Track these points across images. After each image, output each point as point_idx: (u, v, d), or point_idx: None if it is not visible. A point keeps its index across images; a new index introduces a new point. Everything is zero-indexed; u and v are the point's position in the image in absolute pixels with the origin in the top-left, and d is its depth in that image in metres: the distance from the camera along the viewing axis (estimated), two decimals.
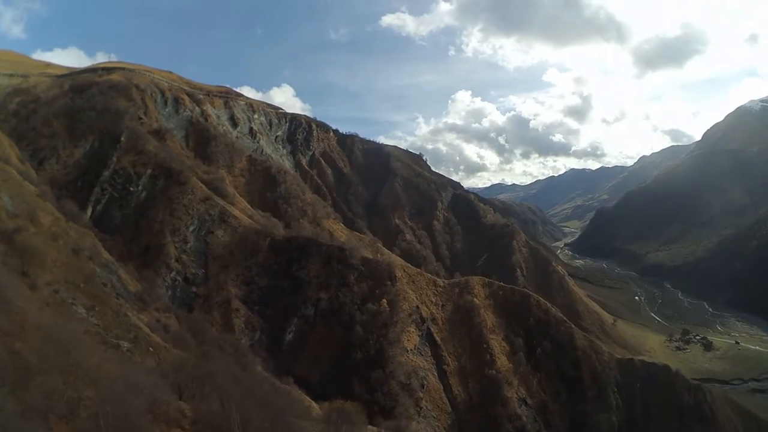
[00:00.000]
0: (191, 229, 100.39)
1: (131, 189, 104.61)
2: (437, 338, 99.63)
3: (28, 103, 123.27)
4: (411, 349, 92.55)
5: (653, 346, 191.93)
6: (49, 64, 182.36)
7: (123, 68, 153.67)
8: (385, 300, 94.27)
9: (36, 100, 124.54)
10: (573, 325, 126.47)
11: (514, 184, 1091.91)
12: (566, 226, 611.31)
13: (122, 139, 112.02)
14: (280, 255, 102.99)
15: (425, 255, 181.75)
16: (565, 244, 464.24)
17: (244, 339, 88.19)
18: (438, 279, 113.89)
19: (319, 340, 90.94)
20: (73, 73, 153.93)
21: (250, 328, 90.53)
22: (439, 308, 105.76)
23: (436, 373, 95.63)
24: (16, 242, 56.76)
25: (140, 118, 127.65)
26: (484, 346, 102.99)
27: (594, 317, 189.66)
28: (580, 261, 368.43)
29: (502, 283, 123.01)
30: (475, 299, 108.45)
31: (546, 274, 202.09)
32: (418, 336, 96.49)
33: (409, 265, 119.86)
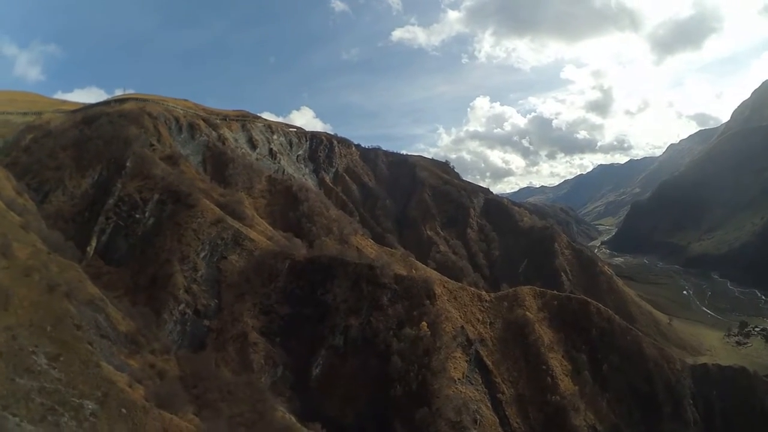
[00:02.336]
0: (202, 255, 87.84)
1: (137, 216, 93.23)
2: (488, 362, 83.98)
3: (40, 138, 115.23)
4: (459, 379, 77.11)
5: (712, 343, 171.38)
6: (64, 102, 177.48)
7: (136, 99, 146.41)
8: (425, 322, 79.26)
9: (47, 135, 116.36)
10: (640, 332, 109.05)
11: (542, 186, 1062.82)
12: (600, 224, 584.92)
13: (128, 164, 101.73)
14: (302, 278, 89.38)
15: (462, 266, 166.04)
16: (602, 243, 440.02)
17: (265, 377, 74.30)
18: (483, 293, 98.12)
19: (351, 374, 76.27)
20: (87, 107, 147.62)
21: (271, 363, 76.52)
22: (487, 326, 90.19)
23: (489, 404, 79.90)
24: None
25: (152, 145, 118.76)
26: (543, 367, 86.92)
27: (648, 318, 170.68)
28: (620, 258, 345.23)
29: (555, 292, 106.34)
30: (527, 313, 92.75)
31: (593, 276, 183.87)
32: (466, 362, 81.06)
33: (448, 279, 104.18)
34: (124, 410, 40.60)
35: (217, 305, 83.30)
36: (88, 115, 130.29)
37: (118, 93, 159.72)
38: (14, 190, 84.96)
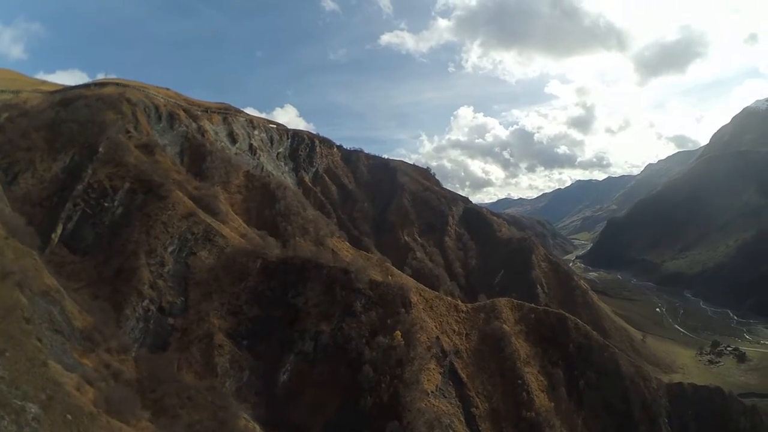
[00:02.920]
0: (170, 249, 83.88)
1: (106, 204, 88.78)
2: (462, 375, 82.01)
3: (16, 117, 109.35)
4: (432, 391, 74.83)
5: (685, 361, 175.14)
6: (44, 82, 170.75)
7: (117, 84, 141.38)
8: (399, 332, 76.58)
9: (24, 114, 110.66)
10: (617, 349, 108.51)
11: (520, 198, 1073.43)
12: (576, 239, 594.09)
13: (100, 150, 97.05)
14: (274, 279, 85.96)
15: (438, 274, 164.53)
16: (577, 257, 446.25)
17: (229, 382, 70.84)
18: (459, 303, 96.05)
19: (320, 381, 73.03)
20: (66, 89, 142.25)
21: (237, 368, 73.02)
22: (463, 338, 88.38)
23: (463, 419, 78.05)
24: None
25: (128, 132, 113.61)
26: (519, 381, 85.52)
27: (623, 334, 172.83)
28: (594, 273, 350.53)
29: (533, 305, 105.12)
30: (504, 325, 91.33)
31: (569, 289, 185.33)
32: (440, 374, 78.90)
33: (425, 287, 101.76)
34: (69, 416, 37.03)
35: (183, 303, 79.42)
36: (65, 97, 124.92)
37: (100, 77, 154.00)
38: None
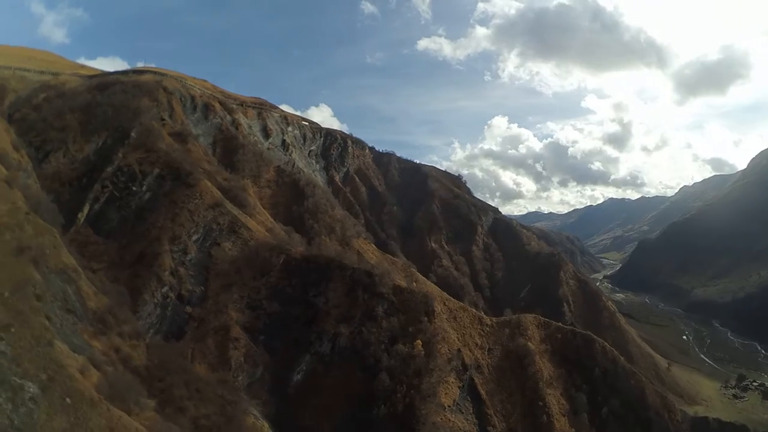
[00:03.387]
0: (194, 238, 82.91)
1: (134, 188, 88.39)
2: (482, 391, 78.39)
3: (53, 98, 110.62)
4: (449, 406, 71.54)
5: (709, 393, 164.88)
6: (83, 66, 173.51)
7: (155, 72, 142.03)
8: (419, 341, 73.54)
9: (61, 96, 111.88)
10: (644, 378, 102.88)
11: (551, 212, 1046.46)
12: (605, 258, 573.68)
13: (132, 134, 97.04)
14: (296, 276, 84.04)
15: (463, 283, 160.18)
16: (605, 276, 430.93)
17: (242, 376, 69.10)
18: (484, 316, 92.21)
19: (334, 384, 70.57)
20: (104, 74, 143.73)
21: (251, 362, 71.18)
22: (485, 353, 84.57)
23: None
24: None
25: (163, 120, 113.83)
26: (540, 403, 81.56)
27: (648, 361, 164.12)
28: (621, 295, 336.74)
29: (560, 324, 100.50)
30: (529, 343, 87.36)
31: (596, 310, 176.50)
32: (459, 388, 75.52)
33: (449, 297, 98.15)
34: (68, 399, 35.31)
35: (203, 293, 78.23)
36: (102, 81, 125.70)
37: (140, 66, 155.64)
38: (11, 144, 79.92)
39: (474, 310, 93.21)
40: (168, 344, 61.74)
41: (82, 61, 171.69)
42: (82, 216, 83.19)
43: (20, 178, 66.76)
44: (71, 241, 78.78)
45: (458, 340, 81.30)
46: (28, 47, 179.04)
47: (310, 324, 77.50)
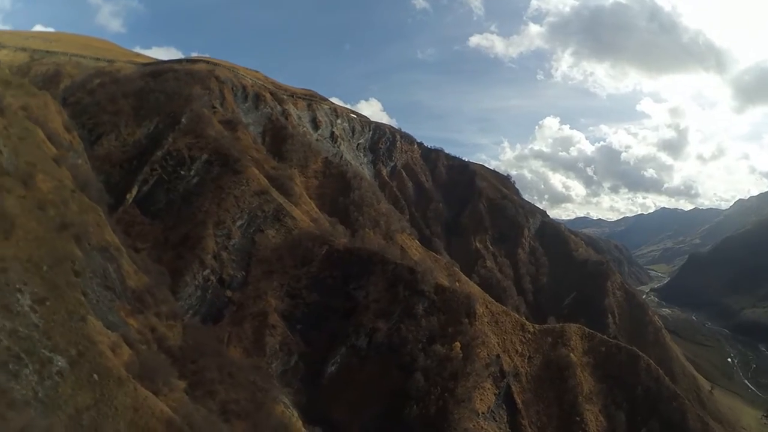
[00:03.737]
0: (238, 223, 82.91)
1: (182, 172, 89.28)
2: (518, 400, 74.69)
3: (107, 84, 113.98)
4: (483, 413, 68.19)
5: (749, 421, 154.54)
6: (138, 55, 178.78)
7: (208, 62, 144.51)
8: (458, 343, 70.64)
9: (115, 82, 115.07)
10: (686, 401, 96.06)
11: (600, 218, 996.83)
12: (653, 270, 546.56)
13: (183, 120, 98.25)
14: (337, 268, 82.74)
15: (506, 286, 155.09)
16: (651, 289, 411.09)
17: (276, 363, 68.46)
18: (526, 322, 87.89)
19: (367, 380, 68.78)
20: (158, 63, 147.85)
21: (286, 350, 70.46)
22: (525, 361, 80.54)
23: None
24: None
25: (214, 107, 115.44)
26: (577, 418, 77.21)
27: (690, 382, 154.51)
28: (667, 310, 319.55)
29: (605, 337, 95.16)
30: (571, 354, 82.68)
31: (641, 324, 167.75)
32: (494, 395, 72.04)
33: (492, 300, 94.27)
34: (95, 376, 34.71)
35: (243, 278, 78.14)
36: (156, 69, 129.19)
37: (193, 56, 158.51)
38: (63, 125, 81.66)
39: (516, 316, 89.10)
40: (204, 327, 61.51)
41: (138, 50, 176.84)
42: (130, 197, 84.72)
43: (70, 157, 68.09)
44: (118, 220, 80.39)
45: (498, 345, 77.76)
46: (85, 35, 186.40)
47: (349, 317, 76.01)
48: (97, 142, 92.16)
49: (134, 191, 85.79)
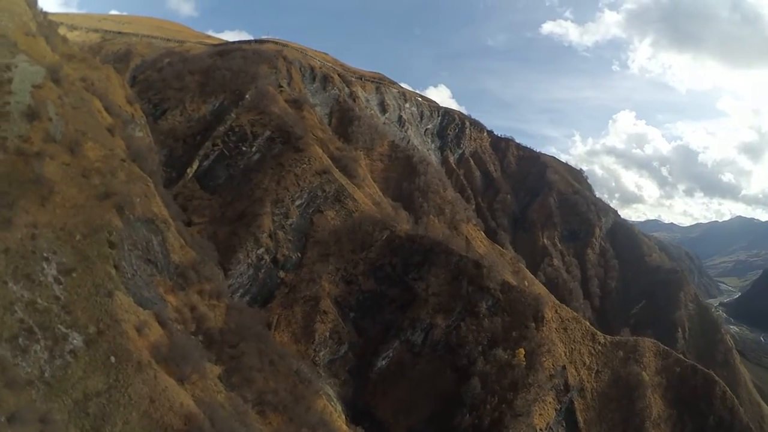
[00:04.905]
0: (297, 203, 78.75)
1: (243, 149, 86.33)
2: (580, 419, 66.49)
3: (176, 63, 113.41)
4: (541, 429, 59.78)
5: None
6: (209, 37, 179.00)
7: (276, 42, 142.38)
8: (522, 349, 62.91)
9: (184, 61, 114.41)
10: None
11: (672, 223, 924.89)
12: (723, 282, 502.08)
13: (247, 96, 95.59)
14: (397, 255, 76.99)
15: (572, 287, 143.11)
16: (720, 304, 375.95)
17: (324, 352, 63.86)
18: (598, 333, 77.98)
19: (419, 379, 62.73)
20: (228, 43, 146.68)
21: (336, 339, 65.60)
22: (592, 375, 71.55)
23: None
24: (24, 167, 39.46)
25: (281, 87, 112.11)
26: None
27: (755, 411, 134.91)
28: (735, 327, 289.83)
29: (681, 356, 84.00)
30: (644, 373, 72.62)
31: (711, 342, 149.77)
32: (555, 410, 63.61)
33: (562, 304, 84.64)
34: (112, 358, 30.77)
35: (298, 260, 74.00)
36: (224, 49, 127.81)
37: (264, 38, 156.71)
38: (126, 98, 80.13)
39: (587, 324, 79.12)
40: (250, 308, 57.14)
41: (210, 33, 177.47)
42: (191, 171, 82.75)
43: (128, 128, 66.06)
44: (177, 194, 78.70)
45: (565, 355, 69.27)
46: (158, 18, 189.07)
47: (405, 309, 70.32)
48: (162, 116, 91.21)
49: (195, 166, 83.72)
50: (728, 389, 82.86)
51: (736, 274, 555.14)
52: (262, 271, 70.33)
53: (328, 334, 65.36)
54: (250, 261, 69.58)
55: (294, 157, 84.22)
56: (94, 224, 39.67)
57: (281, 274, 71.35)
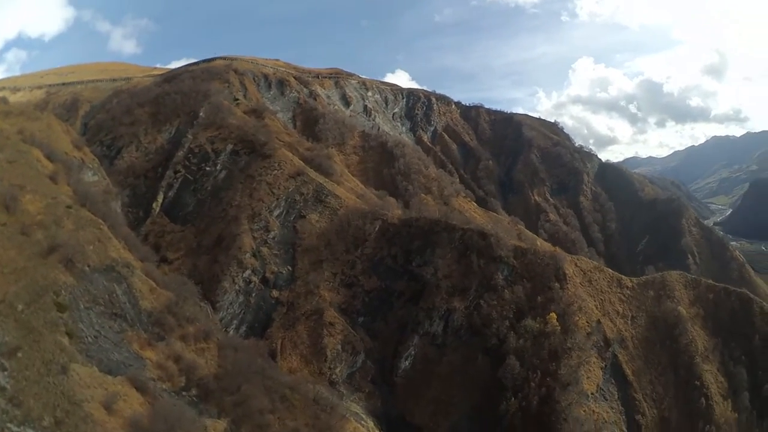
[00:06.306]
0: (276, 213, 71.63)
1: (207, 169, 78.95)
2: (627, 371, 60.75)
3: (124, 99, 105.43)
4: (593, 393, 53.82)
5: None
6: (155, 68, 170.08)
7: (225, 58, 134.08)
8: (553, 313, 56.44)
9: (132, 95, 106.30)
10: None
11: (650, 156, 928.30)
12: (712, 203, 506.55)
13: (201, 114, 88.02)
14: (395, 245, 70.25)
15: (574, 238, 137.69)
16: (714, 223, 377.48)
17: (340, 367, 56.90)
18: (624, 277, 72.13)
19: (450, 372, 56.22)
20: (175, 69, 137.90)
21: (349, 350, 58.71)
22: (629, 322, 65.67)
23: (625, 429, 57.01)
24: None
25: (236, 100, 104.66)
26: (696, 383, 62.99)
27: None
28: (735, 243, 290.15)
29: (711, 282, 78.65)
30: (679, 307, 67.12)
31: (723, 261, 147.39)
32: (601, 369, 57.53)
33: (581, 257, 78.40)
34: None
35: (290, 273, 66.82)
36: (172, 74, 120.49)
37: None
38: (72, 144, 72.27)
39: (610, 271, 73.10)
40: (246, 342, 49.79)
41: (158, 66, 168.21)
42: (156, 205, 75.53)
43: (76, 173, 58.96)
44: (148, 232, 71.55)
45: (597, 308, 63.31)
46: (101, 62, 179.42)
47: (417, 299, 63.66)
48: (117, 156, 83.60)
49: (160, 199, 76.43)
50: (765, 304, 77.84)
51: (722, 192, 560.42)
52: (253, 294, 63.20)
53: (340, 347, 58.43)
54: (237, 287, 62.43)
55: (262, 165, 76.97)
56: (38, 287, 32.60)
57: (274, 293, 64.18)
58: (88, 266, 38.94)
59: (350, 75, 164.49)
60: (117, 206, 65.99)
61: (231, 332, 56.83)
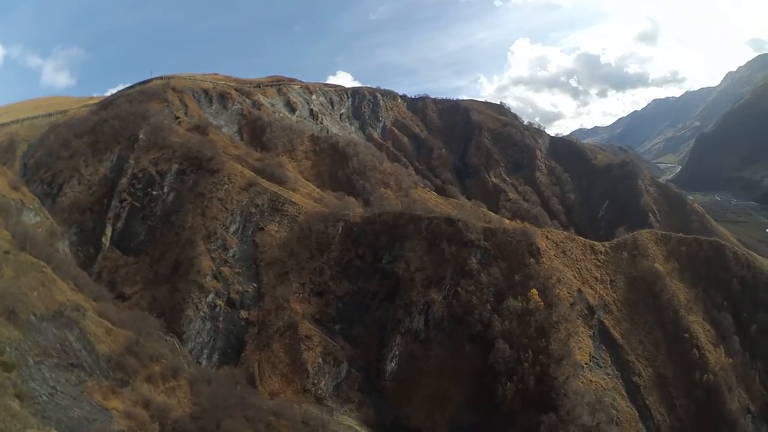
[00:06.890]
0: (232, 229, 67.86)
1: (154, 193, 74.09)
2: (616, 335, 60.73)
3: (61, 132, 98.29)
4: (587, 363, 53.27)
5: None
6: (92, 98, 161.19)
7: (161, 77, 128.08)
8: (534, 290, 55.09)
9: (69, 127, 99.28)
10: None
11: (595, 126, 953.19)
12: (662, 162, 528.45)
13: (141, 136, 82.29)
14: (362, 244, 67.59)
15: (536, 213, 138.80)
16: (667, 181, 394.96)
17: (324, 381, 53.81)
18: (595, 243, 72.30)
19: (439, 367, 54.07)
20: (110, 96, 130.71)
21: (331, 361, 55.61)
22: (608, 286, 65.66)
23: (624, 392, 56.34)
24: None
25: (178, 118, 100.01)
26: (685, 335, 63.99)
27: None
28: (689, 197, 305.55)
29: (681, 235, 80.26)
30: (655, 264, 67.47)
31: (683, 215, 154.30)
32: (590, 337, 57.16)
33: (551, 228, 78.01)
34: None
35: (256, 291, 63.20)
36: (108, 100, 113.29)
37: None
38: (9, 185, 66.37)
39: (582, 239, 73.04)
40: (220, 372, 46.11)
41: (95, 95, 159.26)
42: (106, 239, 69.95)
43: (16, 216, 53.83)
44: (101, 269, 66.20)
45: (575, 277, 62.94)
46: (35, 98, 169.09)
47: (393, 297, 61.08)
48: (60, 192, 76.90)
49: (108, 232, 70.68)
50: (737, 248, 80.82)
51: (670, 151, 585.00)
52: (221, 318, 59.19)
53: (320, 359, 55.32)
54: (202, 313, 58.33)
55: (212, 181, 72.89)
56: None
57: (243, 313, 60.25)
58: (34, 315, 34.85)
59: (292, 81, 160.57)
60: (64, 246, 61.11)
61: (203, 362, 52.87)
